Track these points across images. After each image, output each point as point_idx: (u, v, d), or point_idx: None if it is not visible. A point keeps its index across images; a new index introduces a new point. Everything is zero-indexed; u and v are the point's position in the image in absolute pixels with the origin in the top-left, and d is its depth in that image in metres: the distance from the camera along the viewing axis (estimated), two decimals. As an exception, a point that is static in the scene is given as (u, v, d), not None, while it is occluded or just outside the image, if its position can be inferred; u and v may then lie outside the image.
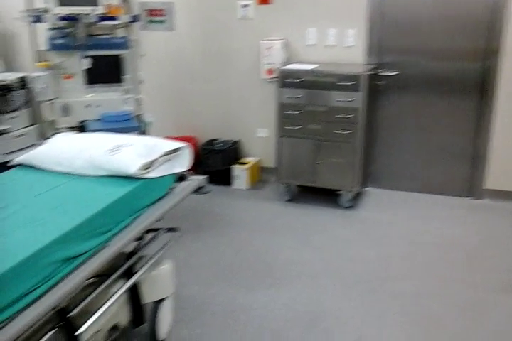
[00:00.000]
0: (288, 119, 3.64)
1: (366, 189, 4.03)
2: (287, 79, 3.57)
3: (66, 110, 3.23)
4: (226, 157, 4.20)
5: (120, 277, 1.89)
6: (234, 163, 4.16)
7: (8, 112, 4.32)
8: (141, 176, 1.93)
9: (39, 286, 1.38)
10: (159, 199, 2.04)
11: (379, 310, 2.47)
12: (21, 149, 4.37)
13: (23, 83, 4.40)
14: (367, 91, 3.51)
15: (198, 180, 2.32)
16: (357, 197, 3.81)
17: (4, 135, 4.24)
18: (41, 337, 1.45)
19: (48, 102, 3.23)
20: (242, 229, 3.36)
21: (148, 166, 1.99)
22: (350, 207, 3.68)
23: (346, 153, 3.54)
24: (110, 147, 2.03)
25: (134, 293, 2.00)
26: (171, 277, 2.20)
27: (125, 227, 1.78)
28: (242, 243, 3.17)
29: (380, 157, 4.01)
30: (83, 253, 1.56)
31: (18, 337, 1.25)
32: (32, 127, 4.57)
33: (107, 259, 1.59)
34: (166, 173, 2.08)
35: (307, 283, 2.72)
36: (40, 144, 4.49)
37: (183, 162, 2.22)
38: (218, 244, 3.16)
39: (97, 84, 3.33)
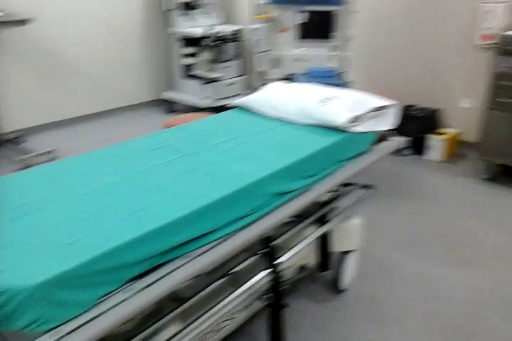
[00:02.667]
0: (502, 91, 3.31)
1: None
2: (508, 47, 3.22)
3: (276, 62, 3.39)
4: (422, 125, 4.01)
5: (313, 222, 2.00)
6: (430, 133, 3.96)
7: (222, 62, 4.72)
8: (347, 129, 1.97)
9: (252, 214, 1.52)
10: (360, 154, 2.06)
11: None
12: (229, 97, 4.77)
13: (237, 35, 4.74)
14: None
15: (399, 141, 2.29)
16: None
17: (217, 82, 4.66)
18: (246, 259, 1.62)
19: (261, 54, 3.42)
20: (432, 202, 3.23)
21: (354, 120, 2.02)
22: (559, 196, 3.27)
23: None
24: (321, 98, 2.10)
25: (323, 240, 2.10)
26: (360, 232, 2.25)
27: (328, 175, 1.85)
28: (431, 215, 3.06)
29: None
30: (290, 192, 1.67)
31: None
32: (240, 77, 4.93)
33: (311, 200, 1.69)
34: (370, 129, 2.08)
35: (498, 267, 2.53)
36: (245, 94, 4.83)
37: (389, 121, 2.19)
38: (407, 211, 3.10)
39: (307, 39, 3.42)
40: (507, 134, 3.36)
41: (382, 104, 2.15)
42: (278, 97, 2.22)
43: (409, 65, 4.14)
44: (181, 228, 1.31)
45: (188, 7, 4.66)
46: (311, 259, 2.11)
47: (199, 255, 1.33)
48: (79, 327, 1.06)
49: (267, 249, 1.61)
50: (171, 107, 5.02)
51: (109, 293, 1.16)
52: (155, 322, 1.40)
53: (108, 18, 4.58)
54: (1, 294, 1.00)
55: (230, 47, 4.69)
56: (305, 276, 2.14)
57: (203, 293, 1.49)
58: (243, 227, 1.48)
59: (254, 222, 1.51)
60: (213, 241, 1.40)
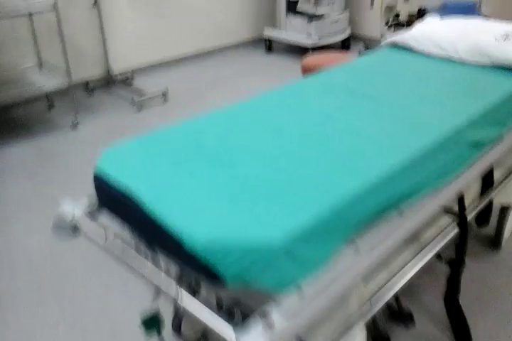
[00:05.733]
0: None
1: None
2: None
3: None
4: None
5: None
6: None
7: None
8: (535, 70, 1.75)
9: (454, 166, 1.39)
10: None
11: None
12: (334, 34, 4.49)
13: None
14: None
15: None
16: None
17: (322, 19, 4.37)
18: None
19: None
20: None
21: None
22: None
23: None
24: (499, 34, 1.86)
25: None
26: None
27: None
28: None
29: None
30: (486, 142, 1.51)
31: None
32: (344, 14, 4.61)
33: (506, 150, 1.53)
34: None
35: None
36: (348, 31, 4.54)
37: None
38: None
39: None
40: None
41: None
42: (443, 34, 1.99)
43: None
44: (396, 180, 1.20)
45: None
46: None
47: (411, 213, 1.23)
48: (320, 286, 0.99)
49: (459, 205, 1.49)
50: (271, 46, 4.81)
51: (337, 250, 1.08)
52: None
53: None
54: (249, 252, 0.94)
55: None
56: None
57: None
58: (447, 181, 1.35)
59: (456, 175, 1.38)
60: (422, 196, 1.28)
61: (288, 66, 4.42)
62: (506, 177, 1.81)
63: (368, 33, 4.79)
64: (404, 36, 2.09)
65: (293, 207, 1.03)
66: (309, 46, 4.41)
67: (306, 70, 2.41)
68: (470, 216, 1.61)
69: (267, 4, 4.85)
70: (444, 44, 1.95)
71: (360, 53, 4.51)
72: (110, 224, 1.20)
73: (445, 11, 2.98)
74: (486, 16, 3.12)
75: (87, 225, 1.21)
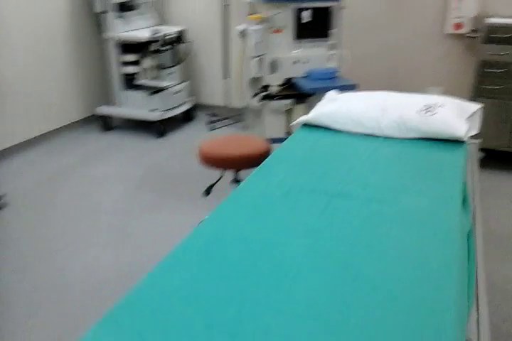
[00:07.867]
0: (488, 78, 3.33)
1: None
2: (494, 35, 3.23)
3: (274, 66, 3.00)
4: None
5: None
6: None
7: (167, 68, 4.19)
8: (464, 139, 1.77)
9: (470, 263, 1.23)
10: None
11: None
12: (176, 106, 4.27)
13: (181, 37, 4.23)
14: None
15: (475, 143, 2.13)
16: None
17: (164, 91, 4.12)
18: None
19: (257, 58, 2.99)
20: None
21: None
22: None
23: None
24: (420, 107, 1.84)
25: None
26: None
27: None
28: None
29: None
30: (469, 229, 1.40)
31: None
32: (184, 84, 4.43)
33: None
34: (468, 136, 1.89)
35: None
36: (191, 101, 4.36)
37: (476, 124, 2.02)
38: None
39: (305, 39, 3.07)
40: (494, 120, 3.40)
41: (476, 108, 1.97)
42: (359, 110, 1.91)
43: (374, 53, 3.97)
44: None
45: (124, 8, 4.01)
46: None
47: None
48: None
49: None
50: (107, 124, 4.36)
51: None
52: None
53: (28, 25, 3.77)
54: None
55: (176, 51, 4.18)
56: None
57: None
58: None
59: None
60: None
61: (133, 144, 4.02)
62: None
63: (212, 101, 4.70)
64: (316, 116, 1.96)
65: None
66: (155, 120, 4.11)
67: (208, 159, 2.10)
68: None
69: (99, 80, 4.43)
70: (366, 122, 1.86)
71: (209, 123, 4.36)
72: None
73: (311, 78, 2.99)
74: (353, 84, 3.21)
75: None
